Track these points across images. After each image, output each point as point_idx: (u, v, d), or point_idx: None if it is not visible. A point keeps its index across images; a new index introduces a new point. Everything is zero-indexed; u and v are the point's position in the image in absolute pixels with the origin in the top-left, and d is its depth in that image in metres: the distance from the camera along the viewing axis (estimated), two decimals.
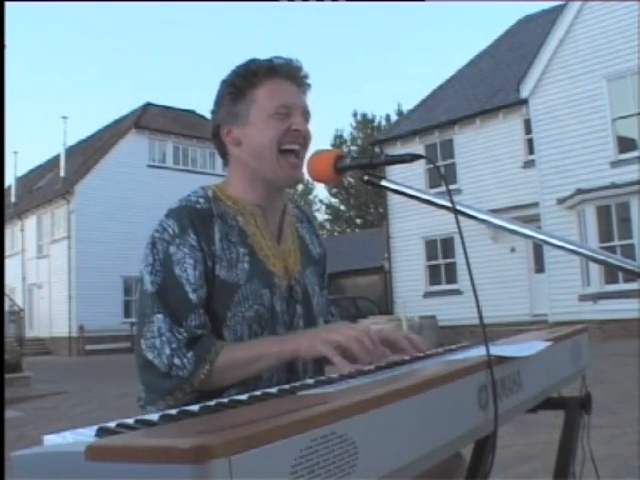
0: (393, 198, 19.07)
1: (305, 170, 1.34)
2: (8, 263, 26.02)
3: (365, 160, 1.21)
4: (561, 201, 15.32)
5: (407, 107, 31.95)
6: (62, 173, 26.84)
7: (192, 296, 1.30)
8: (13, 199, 30.59)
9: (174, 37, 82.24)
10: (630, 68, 14.34)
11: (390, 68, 77.44)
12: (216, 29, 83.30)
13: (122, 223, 24.94)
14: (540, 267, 16.54)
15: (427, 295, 19.19)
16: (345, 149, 41.14)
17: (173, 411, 0.85)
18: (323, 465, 0.64)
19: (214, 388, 1.26)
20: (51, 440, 0.72)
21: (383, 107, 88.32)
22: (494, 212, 1.21)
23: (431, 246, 19.34)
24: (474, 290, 1.08)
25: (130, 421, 0.77)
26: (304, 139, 1.42)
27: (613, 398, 5.68)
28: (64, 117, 27.58)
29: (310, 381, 1.08)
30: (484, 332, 1.04)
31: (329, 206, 46.86)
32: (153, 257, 1.33)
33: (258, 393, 0.96)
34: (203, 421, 0.76)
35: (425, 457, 0.82)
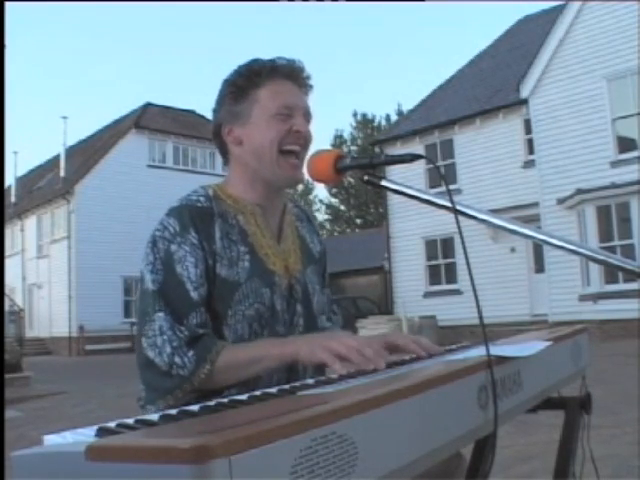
0: (393, 198, 19.08)
1: (305, 170, 1.35)
2: (8, 263, 26.02)
3: (365, 160, 1.21)
4: (561, 201, 15.32)
5: (407, 107, 31.98)
6: (62, 173, 26.85)
7: (193, 294, 1.30)
8: (13, 199, 30.60)
9: (174, 37, 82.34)
10: (630, 68, 14.34)
11: (390, 68, 77.55)
12: (216, 29, 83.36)
13: (122, 223, 24.94)
14: (540, 267, 16.54)
15: (427, 295, 19.19)
16: (345, 149, 41.15)
17: (173, 411, 0.85)
18: (323, 465, 0.64)
19: (214, 388, 1.27)
20: (51, 440, 0.72)
21: (383, 107, 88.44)
22: (494, 212, 1.21)
23: (431, 246, 19.34)
24: (474, 290, 1.08)
25: (130, 421, 0.77)
26: (305, 140, 1.42)
27: (613, 398, 5.67)
28: (64, 117, 27.64)
29: (310, 381, 1.08)
30: (484, 332, 1.04)
31: (329, 206, 46.87)
32: (154, 256, 1.33)
33: (258, 393, 0.96)
34: (203, 421, 0.76)
35: (425, 457, 0.82)
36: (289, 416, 0.65)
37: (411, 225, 19.27)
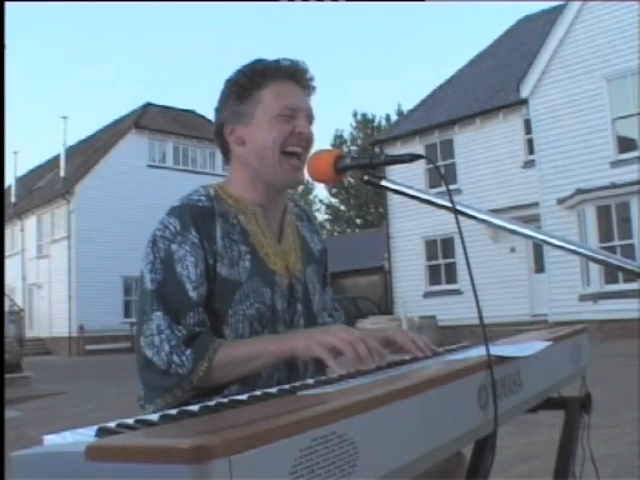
0: (393, 198, 19.08)
1: (305, 170, 1.35)
2: (8, 263, 26.03)
3: (365, 160, 1.21)
4: (561, 201, 15.32)
5: (407, 107, 32.00)
6: (62, 173, 26.84)
7: (192, 294, 1.30)
8: (13, 199, 30.59)
9: (174, 37, 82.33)
10: (630, 68, 14.34)
11: (390, 68, 77.56)
12: (216, 29, 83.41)
13: (122, 223, 24.93)
14: (540, 267, 16.54)
15: (427, 295, 19.19)
16: (345, 149, 41.15)
17: (173, 411, 0.85)
18: (323, 465, 0.64)
19: (212, 385, 1.27)
20: (51, 440, 0.72)
21: (383, 107, 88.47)
22: (494, 212, 1.21)
23: (431, 246, 19.34)
24: (474, 290, 1.08)
25: (130, 421, 0.77)
26: (307, 142, 1.42)
27: (613, 398, 5.67)
28: (64, 117, 27.61)
29: (310, 381, 1.08)
30: (484, 332, 1.04)
31: (329, 206, 46.88)
32: (154, 255, 1.33)
33: (258, 393, 0.96)
34: (203, 421, 0.76)
35: (425, 457, 0.82)
36: (289, 416, 0.65)
37: (411, 225, 19.27)
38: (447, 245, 18.65)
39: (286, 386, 1.04)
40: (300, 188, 42.46)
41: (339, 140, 45.02)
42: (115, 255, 24.74)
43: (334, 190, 44.07)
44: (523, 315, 16.60)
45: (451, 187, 16.41)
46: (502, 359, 1.04)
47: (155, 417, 0.79)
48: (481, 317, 1.02)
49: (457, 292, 17.87)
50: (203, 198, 1.40)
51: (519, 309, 16.86)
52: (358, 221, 45.74)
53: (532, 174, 16.44)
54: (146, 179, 26.07)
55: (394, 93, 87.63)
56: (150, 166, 26.93)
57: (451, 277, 18.64)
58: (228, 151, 1.48)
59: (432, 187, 17.37)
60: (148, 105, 29.08)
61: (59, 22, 79.00)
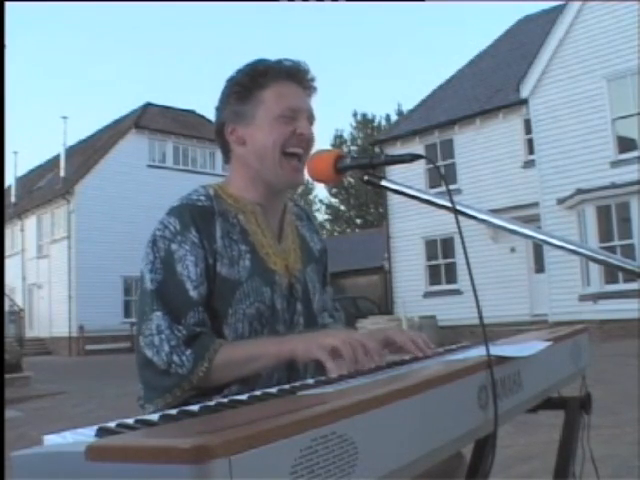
0: (393, 198, 19.08)
1: (305, 170, 1.35)
2: (8, 263, 26.02)
3: (365, 160, 1.21)
4: (561, 201, 15.32)
5: (407, 107, 32.00)
6: (62, 173, 26.84)
7: (192, 293, 1.30)
8: (13, 199, 30.59)
9: (174, 37, 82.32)
10: (630, 68, 14.34)
11: (390, 68, 77.54)
12: (216, 29, 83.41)
13: (122, 223, 24.94)
14: (540, 267, 16.54)
15: (427, 295, 19.19)
16: (345, 149, 41.15)
17: (173, 411, 0.85)
18: (323, 465, 0.64)
19: (212, 386, 1.27)
20: (51, 440, 0.72)
21: (383, 107, 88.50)
22: (494, 212, 1.21)
23: (431, 246, 19.34)
24: (474, 290, 1.08)
25: (130, 421, 0.77)
26: (307, 143, 1.42)
27: (613, 398, 5.67)
28: (64, 117, 27.63)
29: (310, 381, 1.08)
30: (484, 332, 1.04)
31: (329, 206, 46.87)
32: (154, 255, 1.33)
33: (258, 393, 0.96)
34: (203, 421, 0.76)
35: (425, 457, 0.82)
36: (289, 416, 0.65)
37: (411, 225, 19.27)
38: (447, 245, 18.65)
39: (286, 386, 1.04)
40: (300, 188, 42.43)
41: (339, 140, 45.02)
42: (115, 255, 24.74)
43: (334, 190, 44.06)
44: (523, 315, 16.60)
45: (451, 187, 16.39)
46: (502, 359, 1.04)
47: (155, 417, 0.79)
48: (481, 317, 1.02)
49: (457, 292, 17.87)
50: (202, 198, 1.40)
51: (519, 309, 16.86)
52: (358, 221, 45.74)
53: (532, 174, 16.44)
54: (146, 179, 26.07)
55: (394, 93, 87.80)
56: (150, 166, 26.93)
57: (451, 277, 18.64)
58: (228, 150, 1.48)
59: (432, 187, 17.36)
60: (148, 105, 29.09)
61: (59, 22, 79.03)
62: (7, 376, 10.29)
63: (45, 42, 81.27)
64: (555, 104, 15.55)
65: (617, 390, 6.19)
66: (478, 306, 1.02)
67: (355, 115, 45.68)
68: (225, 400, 0.92)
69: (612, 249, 13.33)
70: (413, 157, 1.15)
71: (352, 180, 39.33)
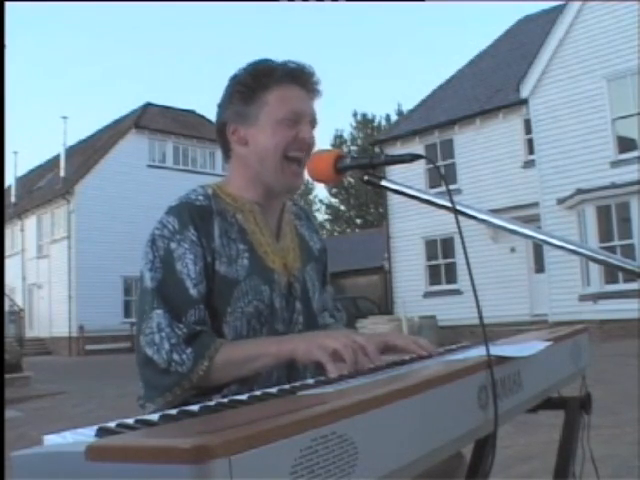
0: (393, 198, 19.08)
1: (305, 170, 1.35)
2: (8, 263, 26.02)
3: (365, 160, 1.21)
4: (561, 201, 15.32)
5: (407, 107, 32.00)
6: (62, 173, 26.85)
7: (192, 291, 1.31)
8: (13, 199, 30.59)
9: (174, 37, 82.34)
10: (630, 68, 14.34)
11: (390, 68, 77.56)
12: (216, 29, 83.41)
13: (122, 223, 24.94)
14: (540, 267, 16.55)
15: (427, 295, 19.19)
16: (345, 149, 41.14)
17: (173, 411, 0.85)
18: (323, 465, 0.64)
19: (212, 385, 1.27)
20: (51, 440, 0.72)
21: (383, 107, 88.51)
22: (494, 212, 1.21)
23: (431, 246, 19.34)
24: (474, 290, 1.08)
25: (130, 421, 0.77)
26: (308, 147, 1.42)
27: (613, 398, 5.67)
28: (64, 117, 27.63)
29: (310, 381, 1.08)
30: (484, 332, 1.04)
31: (329, 206, 46.87)
32: (153, 254, 1.33)
33: (258, 393, 0.96)
34: (203, 421, 0.76)
35: (425, 457, 0.82)
36: (289, 416, 0.65)
37: (411, 225, 19.27)
38: (447, 245, 18.65)
39: (286, 386, 1.04)
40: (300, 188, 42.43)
41: (339, 140, 45.01)
42: (115, 255, 24.74)
43: (334, 190, 44.06)
44: (523, 315, 16.60)
45: (451, 187, 16.40)
46: (502, 359, 1.04)
47: (155, 417, 0.79)
48: (481, 317, 1.02)
49: (457, 292, 17.87)
50: (201, 197, 1.40)
51: (519, 309, 16.86)
52: (358, 221, 45.74)
53: (532, 174, 16.44)
54: (146, 179, 26.07)
55: (394, 93, 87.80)
56: (150, 166, 26.93)
57: (451, 277, 18.64)
58: (229, 149, 1.47)
59: (432, 187, 17.36)
60: (148, 105, 29.09)
61: (59, 22, 79.09)
62: (7, 376, 10.29)
63: (45, 42, 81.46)
64: (555, 104, 15.55)
65: (617, 390, 6.19)
66: (478, 306, 1.02)
67: (355, 115, 45.73)
68: (225, 400, 0.92)
69: (612, 249, 13.33)
70: (413, 157, 1.15)
71: (352, 180, 39.33)
